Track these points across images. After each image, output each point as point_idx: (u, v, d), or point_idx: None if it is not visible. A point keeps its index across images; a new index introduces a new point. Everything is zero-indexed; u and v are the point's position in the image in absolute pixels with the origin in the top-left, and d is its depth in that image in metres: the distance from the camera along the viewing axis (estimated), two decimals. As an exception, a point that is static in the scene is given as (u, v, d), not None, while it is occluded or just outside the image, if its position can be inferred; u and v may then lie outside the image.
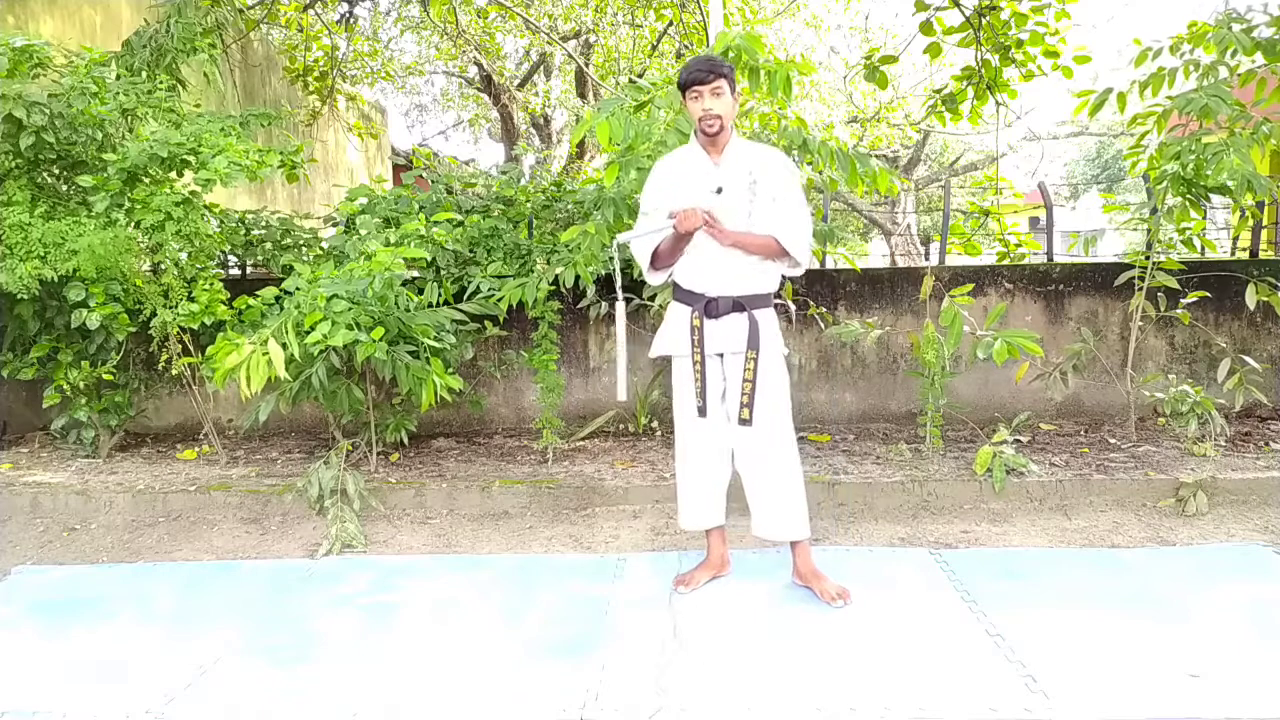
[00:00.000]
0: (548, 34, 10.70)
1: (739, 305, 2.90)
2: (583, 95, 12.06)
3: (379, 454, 4.44)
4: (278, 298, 3.96)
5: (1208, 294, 4.80)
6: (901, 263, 10.22)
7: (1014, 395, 5.00)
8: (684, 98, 2.87)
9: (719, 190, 2.84)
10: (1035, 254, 5.44)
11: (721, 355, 2.95)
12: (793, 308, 3.43)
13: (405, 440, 4.56)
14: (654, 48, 11.14)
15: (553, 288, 4.27)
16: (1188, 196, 4.28)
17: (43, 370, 4.49)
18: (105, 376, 4.50)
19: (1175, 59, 4.37)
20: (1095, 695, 2.34)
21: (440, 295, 4.16)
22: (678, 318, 2.99)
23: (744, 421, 2.90)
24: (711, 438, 3.01)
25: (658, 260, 2.98)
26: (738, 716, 2.30)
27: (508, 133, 12.45)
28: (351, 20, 10.03)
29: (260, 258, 4.79)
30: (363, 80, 11.47)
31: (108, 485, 4.18)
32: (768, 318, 2.95)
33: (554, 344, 4.37)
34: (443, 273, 4.47)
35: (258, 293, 4.00)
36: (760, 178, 2.87)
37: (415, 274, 4.43)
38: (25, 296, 3.95)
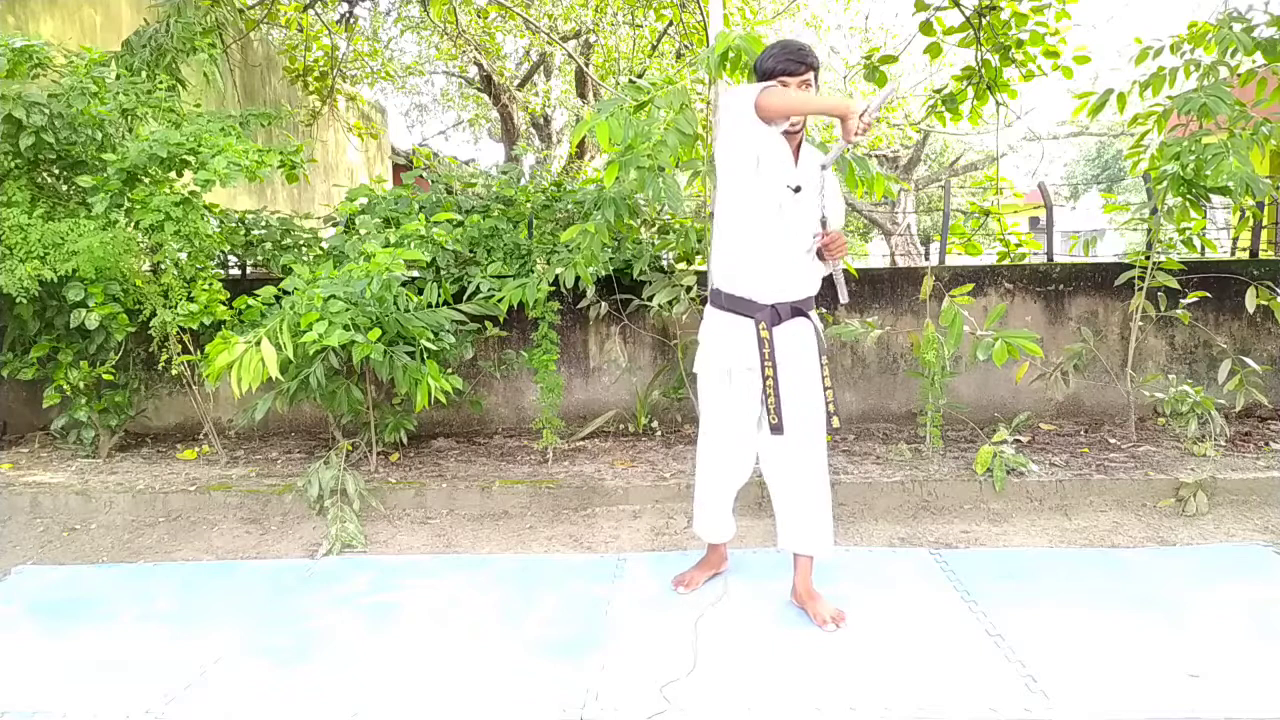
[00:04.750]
0: (548, 34, 10.69)
1: (797, 310, 2.77)
2: (583, 95, 12.05)
3: (379, 454, 4.44)
4: (277, 297, 3.96)
5: (1208, 294, 4.80)
6: (901, 263, 10.21)
7: (1014, 395, 5.00)
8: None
9: (798, 189, 2.62)
10: (1035, 254, 5.44)
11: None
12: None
13: (405, 440, 4.56)
14: (654, 48, 11.13)
15: (553, 288, 4.27)
16: (1188, 197, 4.28)
17: (43, 370, 4.49)
18: (105, 376, 4.50)
19: (1175, 59, 4.38)
20: (1095, 695, 2.35)
21: (440, 295, 4.16)
22: (735, 329, 2.78)
23: (835, 430, 2.81)
24: (742, 453, 2.91)
25: (775, 102, 2.50)
26: (738, 716, 2.30)
27: (508, 133, 12.44)
28: (351, 20, 10.02)
29: (260, 258, 4.79)
30: (363, 80, 11.45)
31: (108, 485, 4.18)
32: (817, 320, 2.86)
33: (554, 344, 4.37)
34: (443, 273, 4.47)
35: (257, 292, 4.01)
36: (822, 179, 2.76)
37: (415, 274, 4.43)
38: (24, 299, 3.95)
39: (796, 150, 2.72)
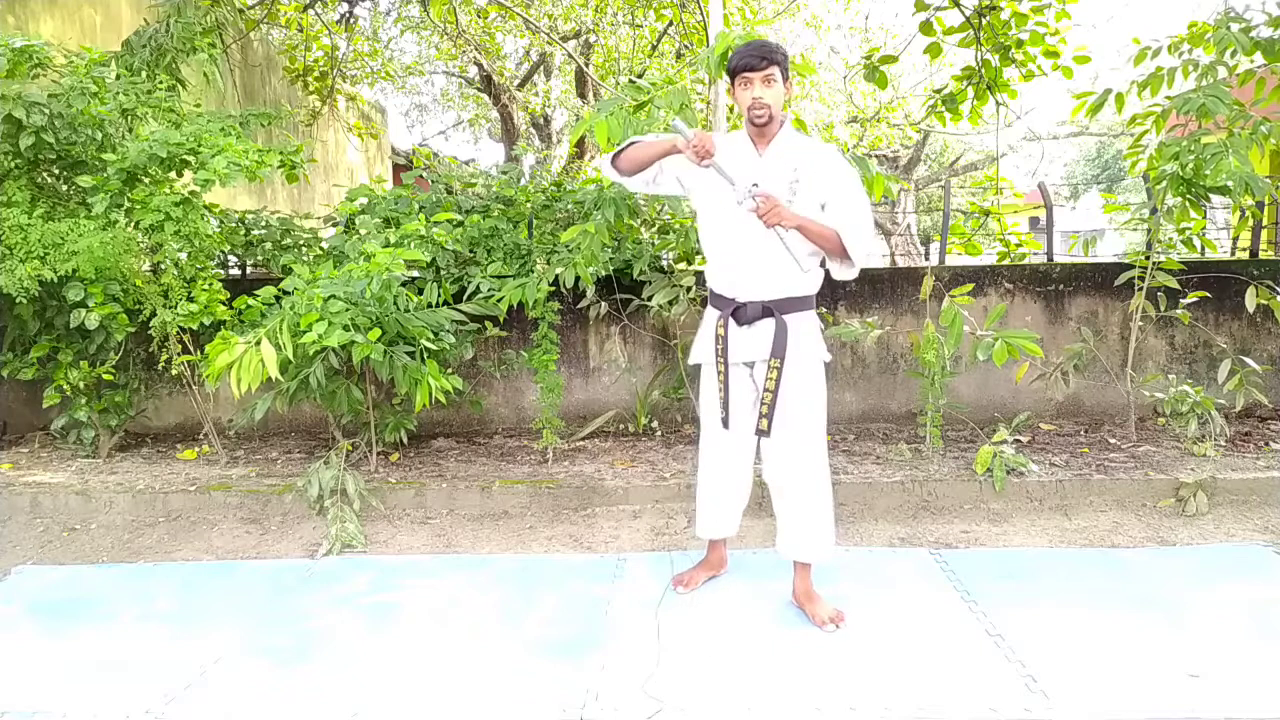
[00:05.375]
0: (548, 34, 10.69)
1: (769, 310, 2.75)
2: (583, 95, 12.05)
3: (379, 454, 4.44)
4: (277, 298, 3.96)
5: (1208, 294, 4.80)
6: (901, 263, 10.21)
7: (1014, 395, 5.00)
8: (732, 84, 2.70)
9: (754, 185, 2.58)
10: (1035, 254, 5.44)
11: (752, 364, 2.82)
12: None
13: (405, 440, 4.56)
14: (654, 48, 11.13)
15: (553, 288, 4.27)
16: (1187, 196, 4.28)
17: (43, 370, 4.49)
18: (105, 376, 4.50)
19: (1174, 59, 4.38)
20: (1095, 695, 2.35)
21: (440, 295, 4.16)
22: (707, 324, 2.91)
23: (760, 433, 2.78)
24: (733, 450, 2.92)
25: (623, 160, 2.84)
26: (738, 716, 2.30)
27: (508, 133, 12.44)
28: (351, 20, 10.02)
29: (260, 258, 4.79)
30: (363, 80, 11.46)
31: (108, 485, 4.18)
32: (802, 323, 2.78)
33: (554, 344, 4.37)
34: (443, 273, 4.47)
35: (257, 293, 4.01)
36: (805, 176, 2.68)
37: (415, 274, 4.43)
38: (24, 299, 3.95)
39: (767, 141, 2.72)
